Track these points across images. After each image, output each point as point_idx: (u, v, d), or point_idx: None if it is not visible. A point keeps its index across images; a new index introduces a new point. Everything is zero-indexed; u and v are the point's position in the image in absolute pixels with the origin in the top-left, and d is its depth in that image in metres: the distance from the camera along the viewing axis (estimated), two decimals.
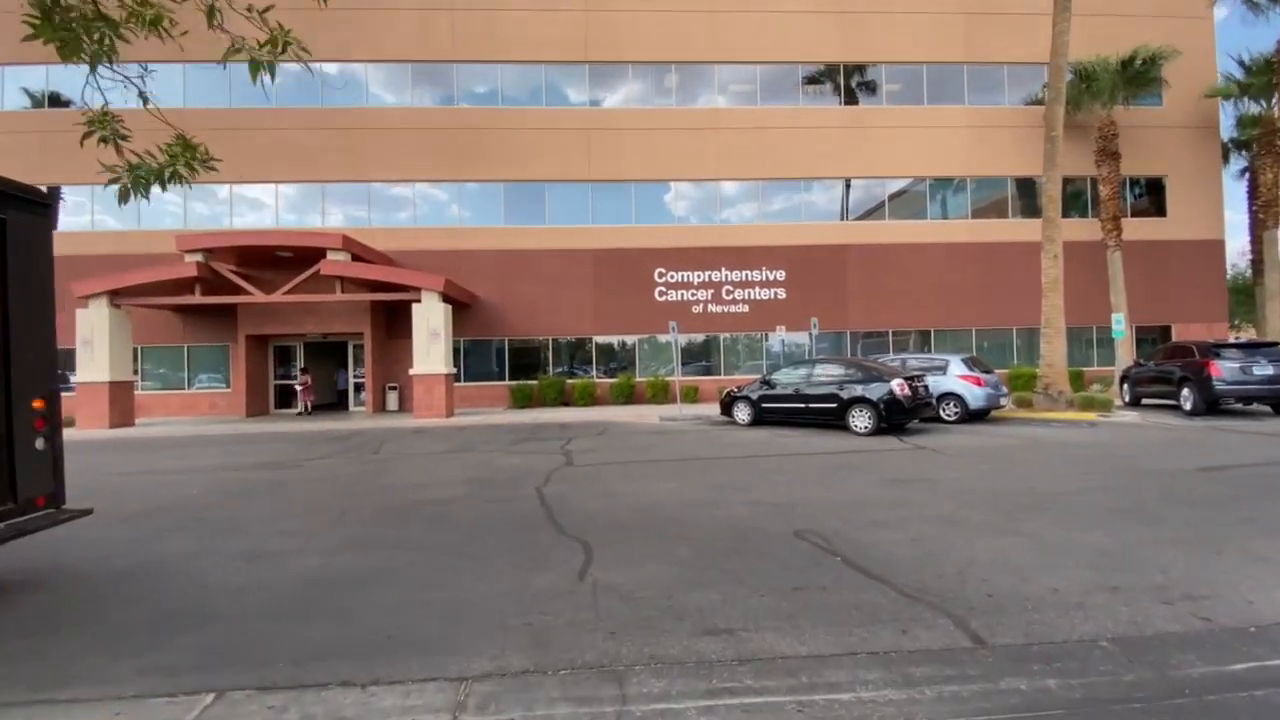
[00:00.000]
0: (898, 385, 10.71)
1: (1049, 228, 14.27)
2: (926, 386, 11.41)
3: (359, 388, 19.66)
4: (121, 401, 16.47)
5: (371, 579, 4.30)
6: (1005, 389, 13.05)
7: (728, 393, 13.63)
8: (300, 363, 20.00)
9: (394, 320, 18.94)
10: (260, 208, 19.88)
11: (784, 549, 4.70)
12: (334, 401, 21.23)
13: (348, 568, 4.57)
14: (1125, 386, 15.67)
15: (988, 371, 12.94)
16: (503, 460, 9.29)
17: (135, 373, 18.70)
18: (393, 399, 19.09)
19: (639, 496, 6.61)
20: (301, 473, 8.78)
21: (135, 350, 19.08)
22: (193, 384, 19.56)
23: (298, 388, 18.79)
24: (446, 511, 6.18)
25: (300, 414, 18.38)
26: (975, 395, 12.32)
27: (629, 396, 18.97)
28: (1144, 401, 15.26)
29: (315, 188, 19.82)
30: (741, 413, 12.97)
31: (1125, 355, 18.40)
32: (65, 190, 19.68)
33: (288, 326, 18.29)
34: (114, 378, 16.18)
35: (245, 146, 19.47)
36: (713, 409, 16.25)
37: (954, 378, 12.50)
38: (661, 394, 18.89)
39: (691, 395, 18.93)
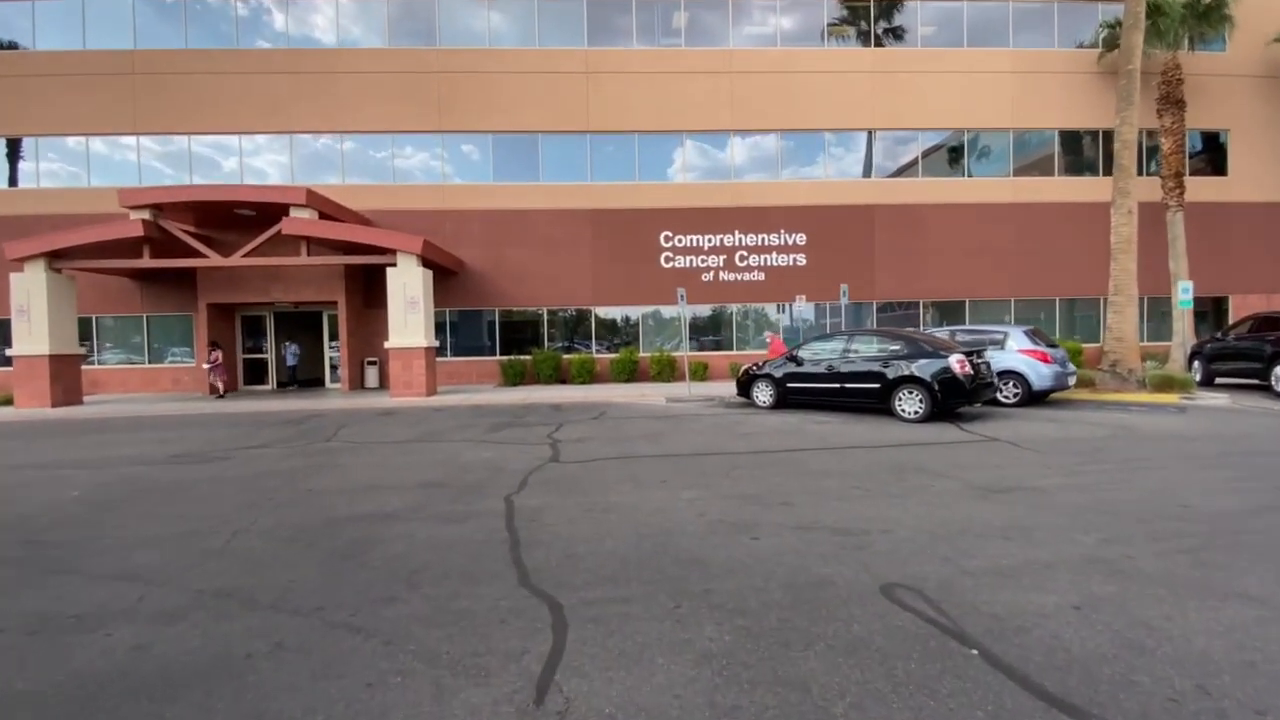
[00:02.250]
0: (956, 362, 8.84)
1: (1122, 178, 12.24)
2: (988, 364, 9.53)
3: (335, 363, 17.86)
4: (66, 377, 14.75)
5: (194, 683, 2.55)
6: (1072, 366, 11.16)
7: (746, 370, 11.81)
8: (271, 335, 18.23)
9: (372, 288, 17.09)
10: (223, 161, 17.86)
11: (876, 628, 2.91)
12: (286, 380, 18.18)
13: (173, 654, 2.81)
14: (1196, 363, 13.79)
15: (1053, 346, 11.05)
16: (474, 453, 7.52)
17: (86, 345, 17.02)
18: (372, 375, 17.34)
19: (642, 515, 4.83)
20: (221, 469, 7.04)
21: (90, 321, 17.39)
22: (161, 358, 17.80)
23: (205, 366, 15.69)
24: (371, 537, 4.42)
25: (219, 397, 15.29)
26: (1041, 374, 10.44)
27: (631, 374, 17.16)
28: (1218, 381, 13.40)
29: (282, 139, 17.78)
30: (763, 393, 11.15)
31: (1185, 328, 16.43)
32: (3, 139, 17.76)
33: (253, 294, 16.47)
34: (55, 350, 14.43)
35: (204, 93, 17.46)
36: (725, 388, 14.45)
37: (1014, 353, 10.61)
38: (667, 371, 17.08)
39: (700, 372, 17.12)
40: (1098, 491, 5.25)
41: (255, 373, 18.18)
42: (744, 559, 3.80)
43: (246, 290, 16.40)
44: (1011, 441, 7.56)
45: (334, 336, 17.66)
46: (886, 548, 3.96)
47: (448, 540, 4.31)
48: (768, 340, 14.38)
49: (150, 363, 17.70)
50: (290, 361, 17.99)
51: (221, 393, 15.55)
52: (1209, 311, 19.53)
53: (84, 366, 17.03)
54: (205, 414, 12.59)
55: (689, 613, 3.09)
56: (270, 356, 18.20)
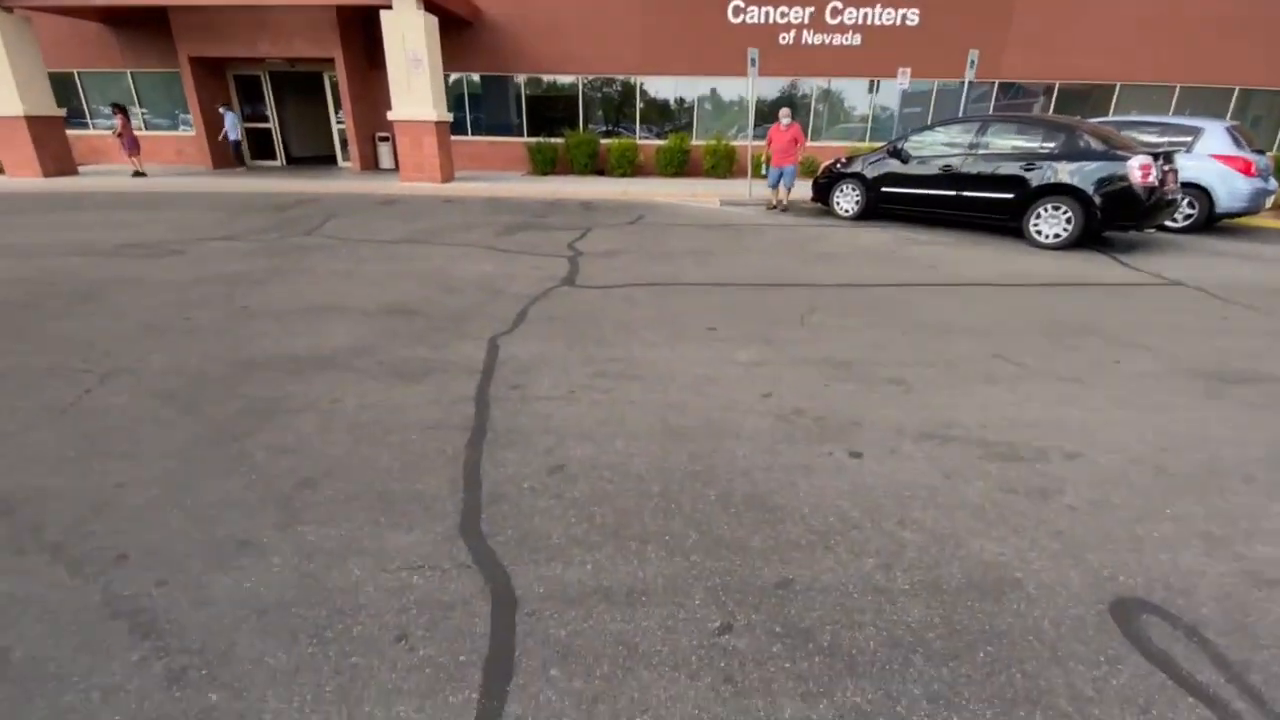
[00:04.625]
0: (1139, 168, 6.26)
1: None
2: (1176, 172, 6.84)
3: (345, 137, 15.61)
4: (52, 144, 13.17)
5: None
6: (1275, 182, 8.22)
7: (827, 168, 9.31)
8: (270, 100, 15.85)
9: (374, 43, 14.11)
10: None
11: None
12: (234, 155, 14.86)
13: None
14: None
15: (1260, 152, 8.01)
16: (470, 265, 5.88)
17: (71, 106, 15.17)
18: (386, 154, 15.16)
19: (676, 389, 3.23)
20: (165, 266, 5.67)
21: (73, 77, 15.35)
22: (174, 124, 15.85)
23: (109, 137, 13.24)
24: (278, 402, 3.01)
25: (136, 174, 12.86)
26: (1236, 191, 7.64)
27: (681, 166, 14.52)
28: None
29: None
30: (846, 199, 8.79)
31: None
32: None
33: (239, 48, 13.86)
34: (30, 110, 12.67)
35: None
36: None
37: (1206, 158, 7.72)
38: (724, 164, 14.36)
39: (763, 168, 14.35)
40: None
41: (261, 146, 16.22)
42: (842, 505, 2.24)
43: (231, 42, 13.76)
44: (1203, 288, 5.41)
45: (339, 105, 15.22)
46: (1088, 495, 2.32)
47: (384, 417, 2.87)
48: (782, 124, 9.52)
49: (148, 130, 15.87)
50: (232, 135, 14.50)
51: (139, 169, 13.07)
52: None
53: (82, 133, 15.45)
54: (191, 192, 11.11)
55: (750, 651, 1.61)
56: (273, 126, 16.09)
